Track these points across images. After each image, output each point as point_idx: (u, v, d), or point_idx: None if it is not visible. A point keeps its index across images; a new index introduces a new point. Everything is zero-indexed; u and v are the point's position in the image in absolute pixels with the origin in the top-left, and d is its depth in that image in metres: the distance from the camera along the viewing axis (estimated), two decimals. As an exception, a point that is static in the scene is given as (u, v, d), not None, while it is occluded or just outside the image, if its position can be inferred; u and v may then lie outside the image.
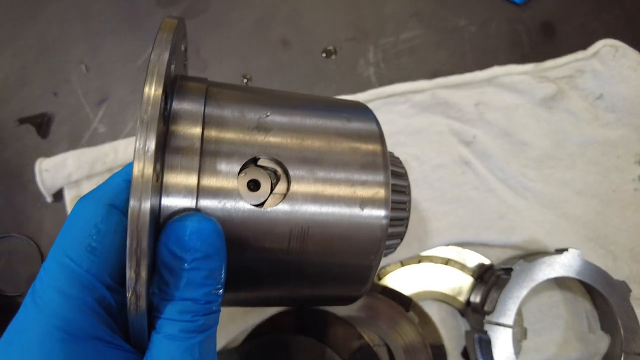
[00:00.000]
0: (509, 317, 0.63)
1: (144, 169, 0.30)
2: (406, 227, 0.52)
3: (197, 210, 0.36)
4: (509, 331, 0.63)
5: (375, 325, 0.68)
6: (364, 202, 0.41)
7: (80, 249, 0.33)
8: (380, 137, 0.45)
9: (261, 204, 0.38)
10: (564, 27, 0.84)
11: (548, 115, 0.77)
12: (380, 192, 0.42)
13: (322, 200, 0.40)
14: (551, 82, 0.78)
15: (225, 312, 0.68)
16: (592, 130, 0.77)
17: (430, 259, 0.72)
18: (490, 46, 0.82)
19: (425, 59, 0.81)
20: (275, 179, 0.40)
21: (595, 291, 0.66)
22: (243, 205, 0.38)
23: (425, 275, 0.71)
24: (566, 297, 0.72)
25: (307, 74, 0.80)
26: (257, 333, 0.67)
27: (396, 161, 0.53)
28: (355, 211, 0.41)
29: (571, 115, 0.78)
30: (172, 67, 0.38)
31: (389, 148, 0.76)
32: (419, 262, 0.71)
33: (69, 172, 0.70)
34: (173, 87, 0.39)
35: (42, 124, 0.77)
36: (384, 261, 0.70)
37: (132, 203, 0.30)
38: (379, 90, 0.76)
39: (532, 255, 0.69)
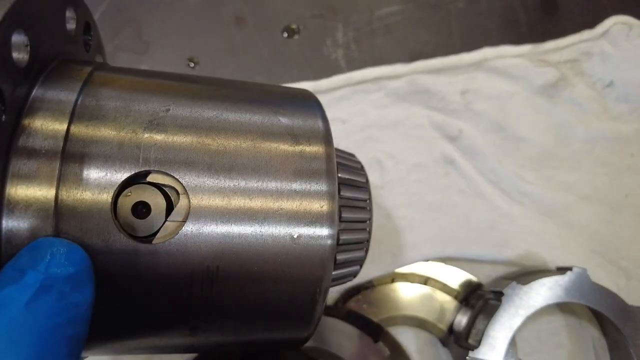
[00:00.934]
0: (497, 353, 0.53)
1: None
2: (366, 251, 0.43)
3: (55, 232, 0.28)
4: (499, 370, 0.52)
5: (337, 358, 0.58)
6: (296, 222, 0.32)
7: None
8: (324, 136, 0.36)
9: (149, 237, 0.30)
10: (567, 2, 0.75)
11: (549, 105, 0.69)
12: (322, 206, 0.33)
13: (236, 225, 0.31)
14: (552, 67, 0.69)
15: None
16: (601, 124, 0.68)
17: (406, 277, 0.62)
18: (481, 24, 0.73)
19: (404, 40, 0.72)
20: (172, 200, 0.30)
21: (606, 318, 0.57)
22: (122, 239, 0.29)
23: (400, 297, 0.61)
24: (569, 322, 0.63)
25: (264, 56, 0.71)
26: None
27: (353, 168, 0.43)
28: (285, 236, 0.32)
29: (576, 106, 0.69)
30: (23, 38, 0.30)
31: (359, 145, 0.66)
32: (393, 280, 0.62)
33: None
34: (32, 73, 0.31)
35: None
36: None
37: None
38: (347, 75, 0.67)
39: (528, 274, 0.60)
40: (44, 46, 0.32)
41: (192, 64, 0.70)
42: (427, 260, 0.63)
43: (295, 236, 0.32)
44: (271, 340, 0.38)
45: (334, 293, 0.61)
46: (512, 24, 0.74)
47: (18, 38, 0.29)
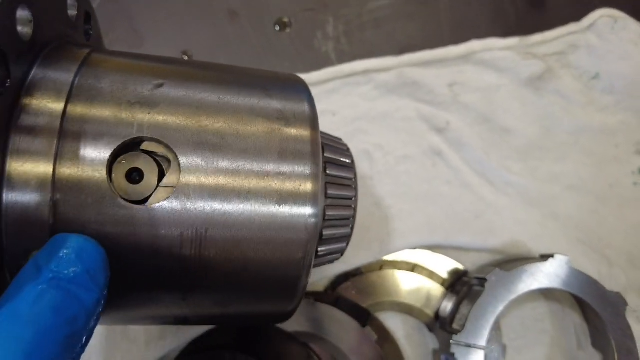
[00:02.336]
0: (481, 337, 0.54)
1: None
2: (352, 228, 0.44)
3: (53, 205, 0.29)
4: (481, 354, 0.54)
5: (327, 342, 0.59)
6: (282, 198, 0.33)
7: None
8: (310, 119, 0.37)
9: (144, 201, 0.31)
10: None
11: (535, 98, 0.68)
12: (305, 185, 0.34)
13: (223, 195, 0.32)
14: (539, 60, 0.68)
15: (154, 327, 0.59)
16: (587, 116, 0.68)
17: (394, 264, 0.63)
18: (469, 18, 0.73)
19: (394, 33, 0.72)
20: (164, 168, 0.32)
21: (586, 304, 0.58)
22: (117, 202, 0.30)
23: (388, 284, 0.62)
24: (552, 308, 0.64)
25: (256, 49, 0.71)
26: (191, 351, 0.59)
27: (339, 149, 0.45)
28: (271, 209, 0.33)
29: (562, 98, 0.69)
30: (27, 13, 0.31)
31: (349, 136, 0.67)
32: (381, 268, 0.63)
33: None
34: (34, 51, 0.32)
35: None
36: (339, 267, 0.61)
37: None
38: (337, 68, 0.67)
39: (512, 262, 0.61)
40: (45, 25, 0.34)
41: (185, 57, 0.70)
42: (415, 248, 0.63)
43: (280, 211, 0.33)
44: (257, 312, 0.39)
45: (324, 280, 0.62)
46: (500, 16, 0.73)
47: (22, 13, 0.30)
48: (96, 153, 0.30)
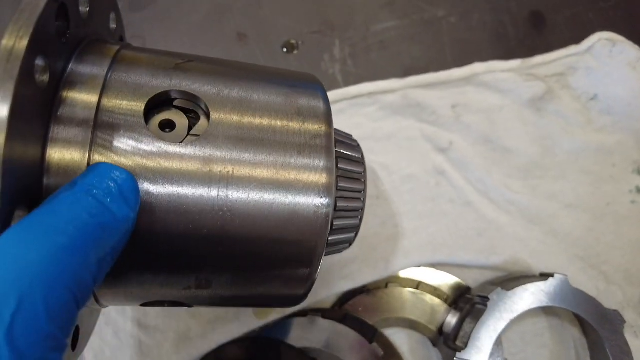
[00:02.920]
0: (483, 355, 0.56)
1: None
2: (360, 219, 0.46)
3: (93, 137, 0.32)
4: (484, 370, 0.55)
5: (335, 358, 0.61)
6: (299, 187, 0.36)
7: None
8: (325, 115, 0.40)
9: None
10: (555, 18, 0.76)
11: (536, 118, 0.70)
12: (320, 177, 0.36)
13: (246, 154, 0.35)
14: (540, 81, 0.70)
15: (167, 341, 0.61)
16: (585, 136, 0.70)
17: (399, 282, 0.64)
18: (472, 40, 0.74)
19: (398, 55, 0.73)
20: (193, 120, 0.35)
21: (585, 320, 0.60)
22: (152, 140, 0.33)
23: (394, 301, 0.63)
24: (552, 323, 0.65)
25: None
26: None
27: (350, 145, 0.46)
28: (288, 196, 0.36)
29: (562, 119, 0.70)
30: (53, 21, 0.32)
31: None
32: (387, 285, 0.64)
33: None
34: (72, 47, 0.35)
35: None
36: (346, 285, 0.63)
37: None
38: (343, 90, 0.69)
39: (513, 280, 0.62)
40: (88, 21, 0.37)
41: (196, 79, 0.72)
42: (419, 266, 0.65)
43: (297, 198, 0.35)
44: (270, 294, 0.41)
45: (331, 297, 0.64)
46: (501, 38, 0.75)
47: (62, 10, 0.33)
48: (134, 101, 0.34)
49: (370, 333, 0.61)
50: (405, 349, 0.63)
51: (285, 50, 0.73)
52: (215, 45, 0.73)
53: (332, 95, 0.68)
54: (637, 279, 0.66)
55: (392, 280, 0.64)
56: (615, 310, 0.59)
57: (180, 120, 0.35)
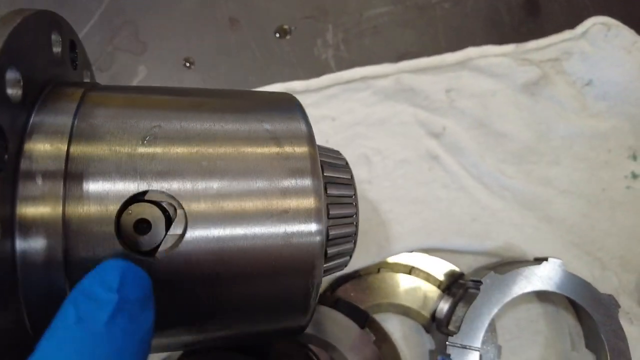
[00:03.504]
0: (476, 339, 0.55)
1: None
2: (354, 243, 0.45)
3: (64, 251, 0.30)
4: (476, 355, 0.55)
5: (326, 343, 0.60)
6: (287, 221, 0.34)
7: None
8: (307, 138, 0.37)
9: (152, 251, 0.32)
10: (549, 3, 0.75)
11: (530, 103, 0.69)
12: (310, 205, 0.35)
13: (231, 233, 0.33)
14: (534, 66, 0.69)
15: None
16: (580, 121, 0.69)
17: (391, 267, 0.64)
18: (466, 25, 0.74)
19: (392, 40, 0.73)
20: (170, 214, 0.32)
21: (580, 305, 0.59)
22: (125, 255, 0.31)
23: (386, 286, 0.63)
24: (547, 310, 0.64)
25: (257, 56, 0.72)
26: (192, 351, 0.60)
27: (338, 165, 0.45)
28: (277, 235, 0.34)
29: (556, 104, 0.69)
30: (16, 74, 0.30)
31: (348, 141, 0.68)
32: (379, 270, 0.64)
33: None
34: (27, 99, 0.32)
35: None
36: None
37: None
38: (336, 75, 0.68)
39: (507, 265, 0.61)
40: (35, 76, 0.33)
41: (187, 64, 0.71)
42: (412, 251, 0.64)
43: (286, 235, 0.34)
44: (271, 331, 0.40)
45: (324, 283, 0.63)
46: (496, 24, 0.74)
47: (11, 75, 0.30)
48: (103, 195, 0.31)
49: (362, 318, 0.61)
50: (398, 336, 0.62)
51: (277, 35, 0.73)
52: (206, 30, 0.73)
53: (324, 80, 0.68)
54: (632, 265, 0.66)
55: (384, 266, 0.64)
56: (609, 295, 0.58)
57: (155, 217, 0.32)
